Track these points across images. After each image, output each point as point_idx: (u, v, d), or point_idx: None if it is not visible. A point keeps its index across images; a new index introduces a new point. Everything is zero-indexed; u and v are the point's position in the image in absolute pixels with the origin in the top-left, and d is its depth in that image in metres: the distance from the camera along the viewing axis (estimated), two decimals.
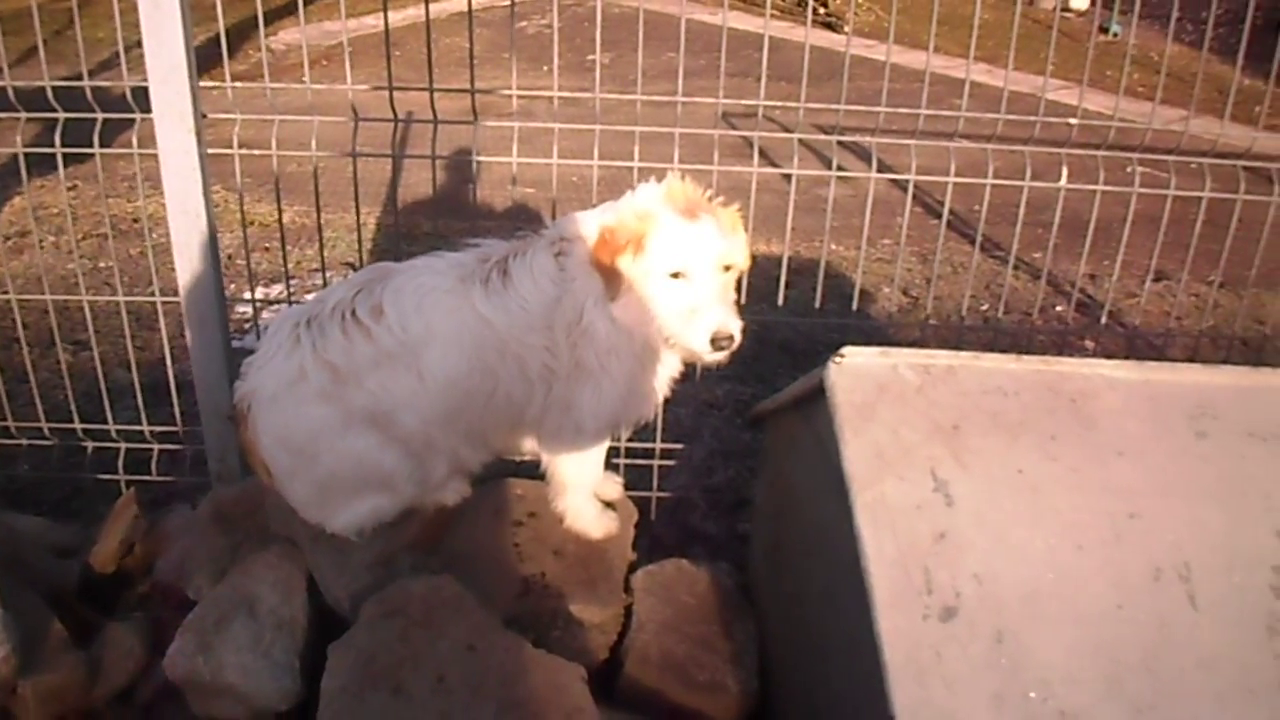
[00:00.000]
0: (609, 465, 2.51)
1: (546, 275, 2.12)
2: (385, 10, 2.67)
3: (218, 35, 2.69)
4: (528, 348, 2.13)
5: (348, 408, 2.12)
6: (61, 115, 2.59)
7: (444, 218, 5.42)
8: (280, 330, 2.19)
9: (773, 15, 8.83)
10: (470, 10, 2.64)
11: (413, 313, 2.11)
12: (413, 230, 5.29)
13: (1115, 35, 9.78)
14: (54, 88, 2.57)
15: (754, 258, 2.48)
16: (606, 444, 2.40)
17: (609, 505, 2.51)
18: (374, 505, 2.23)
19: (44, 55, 2.58)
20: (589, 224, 2.11)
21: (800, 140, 2.68)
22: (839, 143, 2.74)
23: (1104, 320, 3.11)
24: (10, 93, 2.56)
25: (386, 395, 2.12)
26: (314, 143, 2.61)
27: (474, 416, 2.20)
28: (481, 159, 2.69)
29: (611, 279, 2.06)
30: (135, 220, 5.34)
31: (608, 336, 2.12)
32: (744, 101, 2.85)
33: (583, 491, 2.41)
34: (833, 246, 5.09)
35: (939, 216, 2.96)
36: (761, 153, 2.70)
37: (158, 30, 2.36)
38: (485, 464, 2.39)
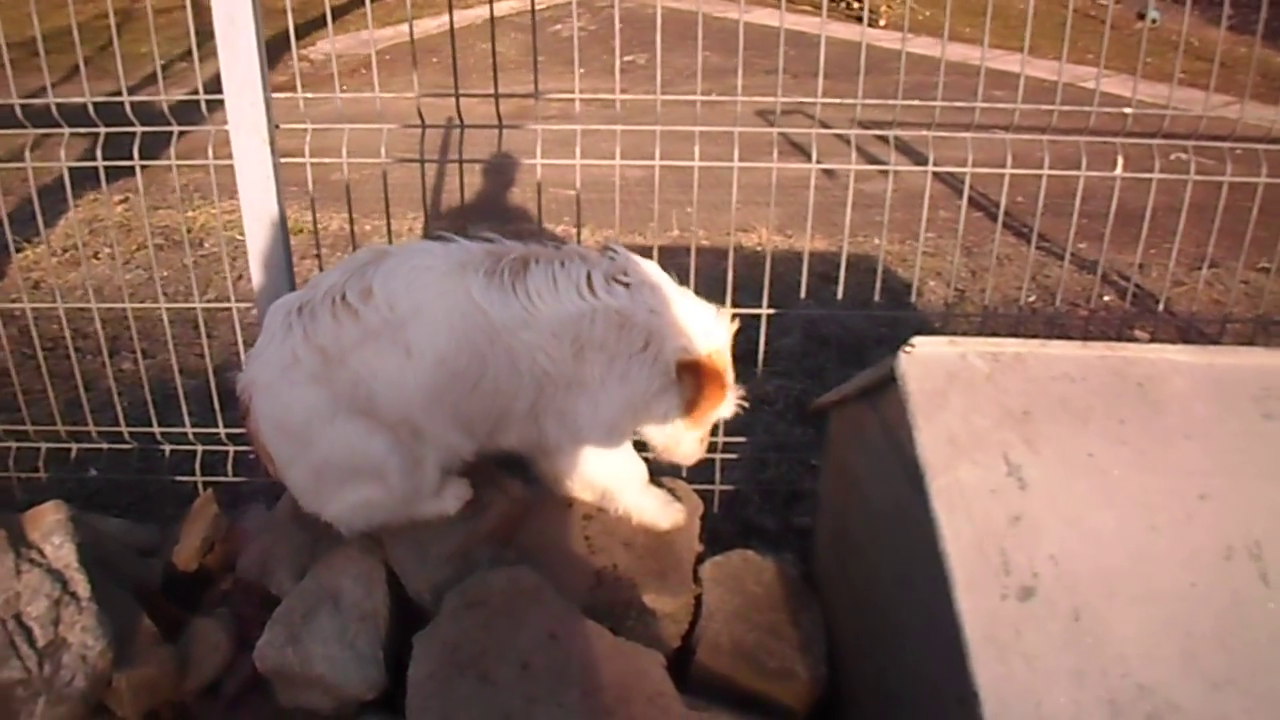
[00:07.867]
0: None
1: (573, 289, 2.14)
2: (450, 14, 2.74)
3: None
4: (520, 342, 2.13)
5: (335, 389, 2.14)
6: (139, 129, 2.67)
7: (488, 221, 5.51)
8: (275, 318, 2.20)
9: (806, 11, 8.85)
10: (534, 13, 2.70)
11: (402, 292, 2.12)
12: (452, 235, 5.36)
13: (1155, 22, 9.70)
14: (102, 103, 2.64)
15: (799, 255, 2.54)
16: (628, 439, 2.39)
17: (673, 495, 2.55)
18: (366, 496, 2.24)
19: (122, 69, 2.66)
20: (684, 311, 2.23)
21: (841, 136, 2.72)
22: (878, 137, 2.77)
23: (1161, 308, 3.13)
24: (90, 109, 2.64)
25: (369, 373, 2.12)
26: (383, 150, 2.67)
27: (460, 399, 2.19)
28: (542, 162, 2.74)
29: (705, 405, 2.27)
30: (188, 230, 5.45)
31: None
32: (796, 99, 2.89)
33: (632, 487, 2.43)
34: (875, 242, 5.11)
35: (980, 209, 2.99)
36: (802, 149, 2.74)
37: (233, 45, 2.44)
38: (478, 455, 2.37)
